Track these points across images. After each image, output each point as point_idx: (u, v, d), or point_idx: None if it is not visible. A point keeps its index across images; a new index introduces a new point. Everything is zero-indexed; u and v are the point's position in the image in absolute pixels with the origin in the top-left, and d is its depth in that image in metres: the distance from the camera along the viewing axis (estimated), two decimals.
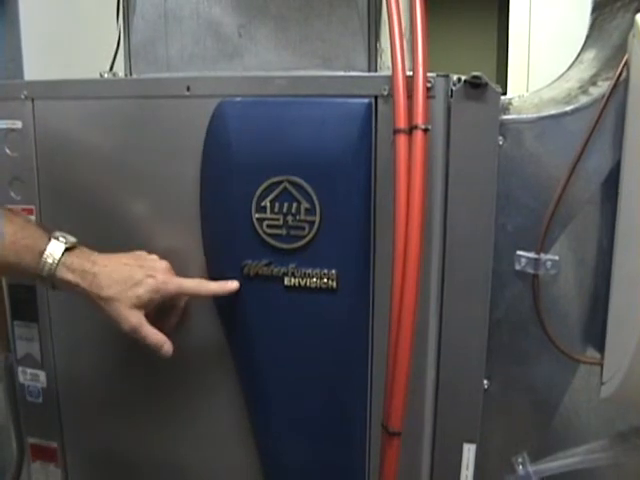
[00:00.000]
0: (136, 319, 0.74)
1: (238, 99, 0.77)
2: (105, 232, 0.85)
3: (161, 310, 0.80)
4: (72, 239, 0.76)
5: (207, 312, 0.83)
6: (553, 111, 0.75)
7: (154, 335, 0.75)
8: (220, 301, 0.82)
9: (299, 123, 0.75)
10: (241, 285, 0.78)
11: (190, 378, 0.86)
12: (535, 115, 0.75)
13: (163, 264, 0.79)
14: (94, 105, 0.83)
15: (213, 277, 0.80)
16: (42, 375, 0.92)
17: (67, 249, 0.74)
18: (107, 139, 0.84)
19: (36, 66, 1.40)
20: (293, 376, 0.80)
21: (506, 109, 0.79)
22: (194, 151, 0.79)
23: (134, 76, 0.87)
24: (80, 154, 0.85)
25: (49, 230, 0.76)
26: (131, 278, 0.75)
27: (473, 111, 0.72)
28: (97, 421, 0.92)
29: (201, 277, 0.81)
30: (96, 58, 0.94)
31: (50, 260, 0.73)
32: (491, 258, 0.75)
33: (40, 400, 0.93)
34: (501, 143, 0.75)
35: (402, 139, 0.70)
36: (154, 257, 0.80)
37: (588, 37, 0.90)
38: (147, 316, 0.76)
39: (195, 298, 0.82)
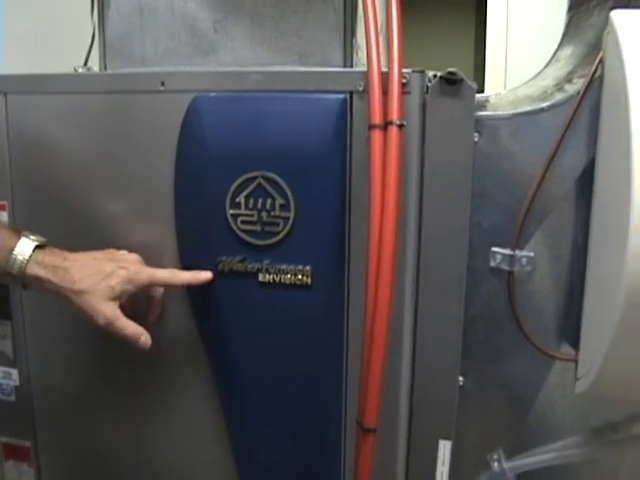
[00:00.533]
0: (111, 311, 0.73)
1: (213, 94, 0.76)
2: (79, 228, 0.84)
3: (136, 302, 0.79)
4: (42, 238, 0.75)
5: (181, 309, 0.82)
6: (528, 108, 0.75)
7: (131, 327, 0.74)
8: (194, 297, 0.81)
9: (274, 118, 0.74)
10: (215, 281, 0.78)
11: (164, 375, 0.86)
12: (511, 112, 0.75)
13: (134, 256, 0.79)
14: (68, 100, 0.82)
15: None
16: (15, 373, 0.91)
17: (37, 247, 0.74)
18: (81, 134, 0.83)
19: (9, 60, 1.39)
20: (267, 373, 0.80)
21: (482, 106, 0.79)
22: (169, 147, 0.78)
23: (109, 71, 0.87)
24: (54, 149, 0.84)
25: (18, 230, 0.76)
26: (103, 270, 0.74)
27: (448, 107, 0.72)
28: (71, 420, 0.91)
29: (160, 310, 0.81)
30: (70, 53, 0.93)
31: (20, 257, 0.73)
32: (466, 255, 0.75)
33: (13, 398, 0.92)
34: (477, 140, 0.75)
35: (377, 135, 0.70)
36: (123, 252, 0.79)
37: (565, 35, 0.90)
38: (122, 309, 0.75)
39: (168, 288, 0.81)
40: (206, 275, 0.78)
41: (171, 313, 0.83)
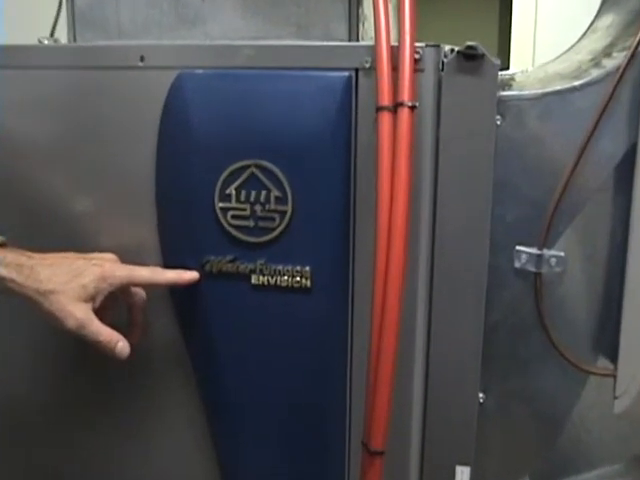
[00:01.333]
0: (83, 313, 0.73)
1: (199, 71, 0.77)
2: (43, 227, 0.84)
3: (116, 312, 0.80)
4: (1, 237, 0.76)
5: (163, 314, 0.83)
6: (559, 86, 0.76)
7: (106, 331, 0.74)
8: (178, 301, 0.82)
9: (269, 99, 0.75)
10: (202, 284, 0.79)
11: (143, 389, 0.87)
12: (539, 91, 0.76)
13: (109, 254, 0.80)
14: (31, 77, 0.82)
15: None
16: None
17: None
18: (47, 116, 0.83)
19: None
20: (261, 387, 0.81)
21: (507, 85, 0.80)
22: (149, 131, 0.79)
23: (79, 43, 0.87)
24: (13, 135, 0.84)
25: None
26: (73, 268, 0.75)
27: (467, 86, 0.73)
28: (34, 437, 0.92)
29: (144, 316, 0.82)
30: (34, 21, 0.93)
31: None
32: (487, 254, 0.76)
33: None
34: (499, 123, 0.75)
35: (386, 118, 0.70)
36: (96, 253, 0.80)
37: (603, 2, 0.91)
38: (97, 313, 0.76)
39: (150, 289, 0.82)
40: (192, 275, 0.79)
41: (152, 319, 0.84)
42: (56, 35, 0.91)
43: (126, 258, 0.81)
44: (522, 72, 0.86)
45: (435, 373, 0.78)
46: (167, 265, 0.81)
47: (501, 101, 0.75)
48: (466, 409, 0.78)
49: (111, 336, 0.75)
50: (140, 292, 0.82)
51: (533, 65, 1.78)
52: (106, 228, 0.84)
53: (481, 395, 0.80)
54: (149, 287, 0.82)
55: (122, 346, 0.76)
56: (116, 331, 0.76)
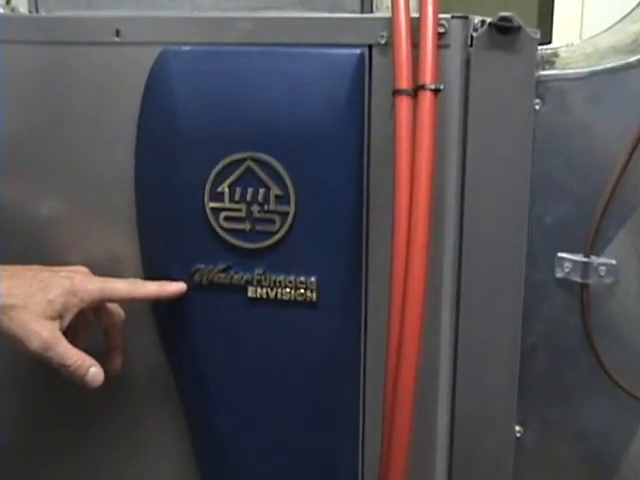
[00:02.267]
0: (48, 332, 0.73)
1: (186, 48, 0.78)
2: (6, 234, 0.85)
3: (89, 335, 0.81)
4: None
5: (144, 335, 0.84)
6: (611, 63, 0.75)
7: (75, 354, 0.75)
8: (162, 318, 0.83)
9: (268, 82, 0.76)
10: (190, 297, 0.80)
11: (121, 421, 0.88)
12: (587, 69, 0.76)
13: (80, 267, 0.81)
14: None
15: None
16: None
17: None
18: (5, 101, 0.83)
19: None
20: (259, 418, 0.81)
21: (548, 62, 0.79)
22: (126, 120, 0.80)
23: (42, 14, 0.87)
24: None
25: None
26: (38, 280, 0.75)
27: (501, 65, 0.73)
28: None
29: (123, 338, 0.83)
30: None
31: None
32: (523, 263, 0.76)
33: None
34: (538, 107, 0.75)
35: (404, 103, 0.71)
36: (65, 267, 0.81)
37: None
38: (66, 336, 0.76)
39: (128, 304, 0.82)
40: (177, 287, 0.79)
41: (131, 340, 0.84)
42: (13, 3, 0.91)
43: (100, 270, 0.82)
44: (567, 47, 0.86)
45: (464, 404, 0.79)
46: (149, 276, 0.82)
47: (541, 82, 0.75)
48: (500, 445, 0.79)
49: (82, 360, 0.75)
50: (117, 311, 0.83)
51: (580, 38, 1.76)
52: (76, 235, 0.85)
53: (518, 428, 0.80)
54: (127, 303, 0.82)
55: (95, 373, 0.76)
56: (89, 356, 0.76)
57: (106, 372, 0.77)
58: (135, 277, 0.82)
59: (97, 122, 0.82)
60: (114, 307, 0.82)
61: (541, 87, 0.75)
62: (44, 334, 0.73)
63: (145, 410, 0.88)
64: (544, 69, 0.76)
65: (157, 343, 0.85)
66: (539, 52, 0.74)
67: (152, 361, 0.85)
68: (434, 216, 0.71)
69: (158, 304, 0.82)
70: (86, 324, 0.81)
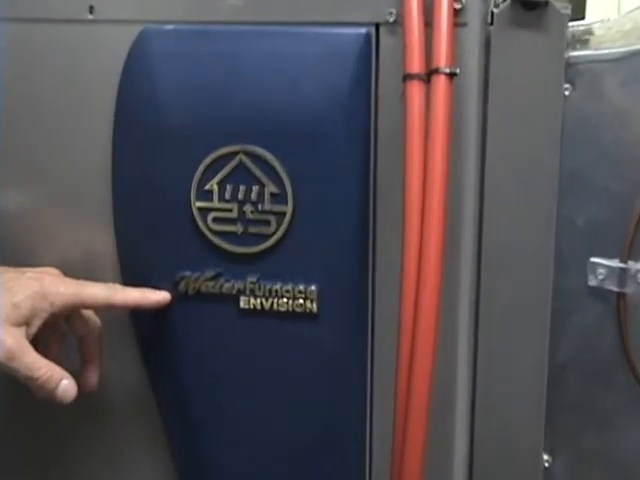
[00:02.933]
0: (13, 340, 0.73)
1: (169, 27, 0.78)
2: None
3: (55, 340, 0.81)
4: None
5: (123, 349, 0.84)
6: None
7: (44, 365, 0.74)
8: (143, 331, 0.83)
9: (262, 66, 0.76)
10: (175, 308, 0.80)
11: (96, 445, 0.88)
12: (624, 49, 0.75)
13: (51, 268, 0.81)
14: None
15: None
16: None
17: None
18: None
19: None
20: (250, 443, 0.82)
21: (580, 41, 0.79)
22: (102, 107, 0.80)
23: None
24: None
25: None
26: (2, 282, 0.75)
27: (525, 45, 0.73)
28: None
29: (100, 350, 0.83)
30: None
31: None
32: (551, 269, 0.76)
33: None
34: (568, 93, 0.75)
35: (416, 89, 0.70)
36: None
37: None
38: (34, 346, 0.75)
39: (105, 311, 0.82)
40: (161, 296, 0.80)
41: (108, 352, 0.84)
42: None
43: (73, 272, 0.82)
44: (602, 23, 0.86)
45: (484, 430, 0.79)
46: (128, 283, 0.82)
47: (571, 64, 0.75)
48: (526, 476, 0.79)
49: (52, 372, 0.75)
50: (93, 319, 0.83)
51: (618, 13, 1.75)
52: (46, 234, 0.85)
53: (546, 457, 0.80)
54: (104, 310, 0.82)
55: (66, 386, 0.76)
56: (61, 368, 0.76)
57: (80, 388, 0.77)
58: (114, 282, 0.82)
59: (69, 110, 0.82)
60: (89, 315, 0.82)
61: (572, 70, 0.75)
62: (8, 342, 0.73)
63: (123, 432, 0.88)
64: (575, 49, 0.76)
65: (137, 358, 0.85)
66: (570, 30, 0.74)
67: (131, 378, 0.85)
68: (449, 217, 0.71)
69: (139, 315, 0.82)
70: (58, 333, 0.81)
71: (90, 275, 0.82)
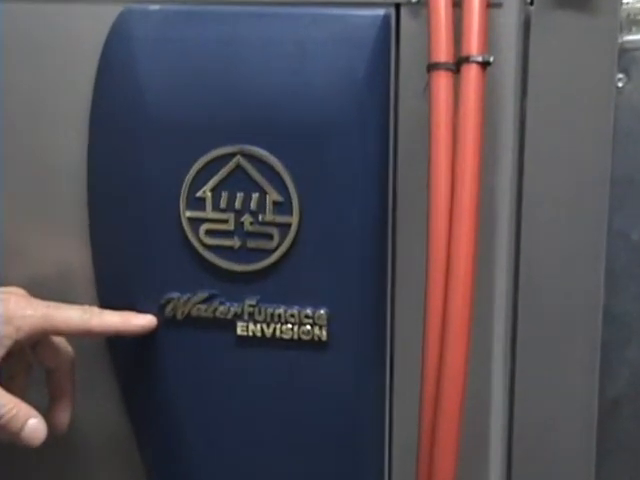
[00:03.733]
0: None
1: (154, 7, 0.78)
2: None
3: (21, 373, 0.81)
4: None
5: (99, 380, 0.85)
6: None
7: (10, 401, 0.74)
8: (124, 362, 0.83)
9: (263, 53, 0.76)
10: (161, 335, 0.80)
11: None
12: None
13: (16, 288, 0.80)
14: None
15: None
16: None
17: None
18: None
19: None
20: None
21: (635, 23, 0.78)
22: (77, 98, 0.80)
23: None
24: None
25: None
26: None
27: (571, 28, 0.72)
28: None
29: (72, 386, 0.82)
30: None
31: None
32: (601, 291, 0.75)
33: None
34: (622, 84, 0.75)
35: (443, 80, 0.70)
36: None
37: None
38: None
39: (79, 336, 0.81)
40: (145, 320, 0.79)
41: (82, 388, 0.84)
42: None
43: (42, 294, 0.81)
44: None
45: (523, 476, 0.78)
46: (106, 305, 0.82)
47: (625, 50, 0.74)
48: None
49: (17, 409, 0.75)
50: (65, 347, 0.82)
51: None
52: (10, 249, 0.85)
53: None
54: (79, 337, 0.81)
55: (34, 426, 0.75)
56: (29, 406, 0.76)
57: (50, 427, 0.77)
58: (90, 304, 0.81)
59: (40, 102, 0.82)
60: (61, 342, 0.82)
61: (625, 57, 0.74)
62: None
63: (99, 476, 0.88)
64: (630, 32, 0.75)
65: (115, 393, 0.85)
66: (624, 8, 0.74)
67: (108, 416, 0.86)
68: (481, 230, 0.71)
69: (118, 343, 0.82)
70: (24, 364, 0.81)
71: (62, 296, 0.81)
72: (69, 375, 0.82)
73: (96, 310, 0.80)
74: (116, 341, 0.82)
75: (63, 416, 0.82)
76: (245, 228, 0.77)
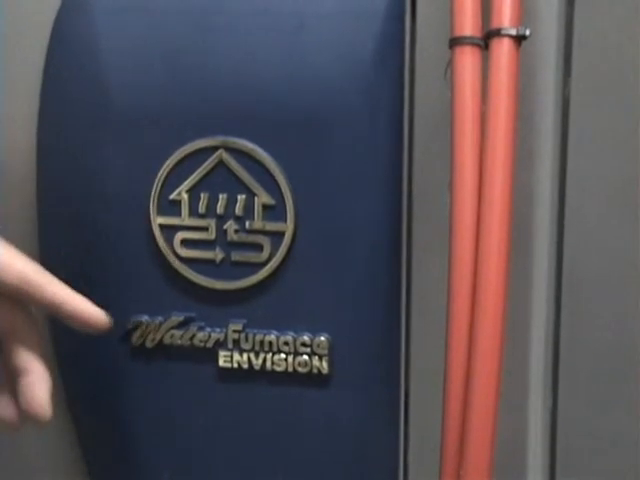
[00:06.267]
0: None
1: None
2: None
3: None
4: None
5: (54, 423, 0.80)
6: None
7: None
8: (80, 398, 0.83)
9: (251, 27, 0.74)
10: (127, 366, 0.79)
11: None
12: None
13: None
14: None
15: (61, 351, 0.81)
16: None
17: None
18: None
19: None
20: None
21: None
22: (24, 85, 0.80)
23: None
24: None
25: None
26: None
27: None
28: None
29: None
30: None
31: None
32: None
33: None
34: None
35: (469, 58, 0.69)
36: None
37: None
38: None
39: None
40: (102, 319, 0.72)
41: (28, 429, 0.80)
42: None
43: None
44: None
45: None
46: (56, 332, 0.81)
47: None
48: None
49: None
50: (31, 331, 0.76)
51: None
52: None
53: None
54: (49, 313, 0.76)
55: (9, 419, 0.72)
56: None
57: (26, 409, 0.71)
58: (37, 327, 0.75)
59: None
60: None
61: None
62: None
63: None
64: None
65: (72, 436, 0.85)
66: None
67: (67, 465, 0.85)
68: (515, 236, 0.70)
69: (72, 374, 0.82)
70: None
71: None
72: (40, 351, 0.74)
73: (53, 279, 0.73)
74: (70, 372, 0.81)
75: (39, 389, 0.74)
76: (229, 237, 0.76)
